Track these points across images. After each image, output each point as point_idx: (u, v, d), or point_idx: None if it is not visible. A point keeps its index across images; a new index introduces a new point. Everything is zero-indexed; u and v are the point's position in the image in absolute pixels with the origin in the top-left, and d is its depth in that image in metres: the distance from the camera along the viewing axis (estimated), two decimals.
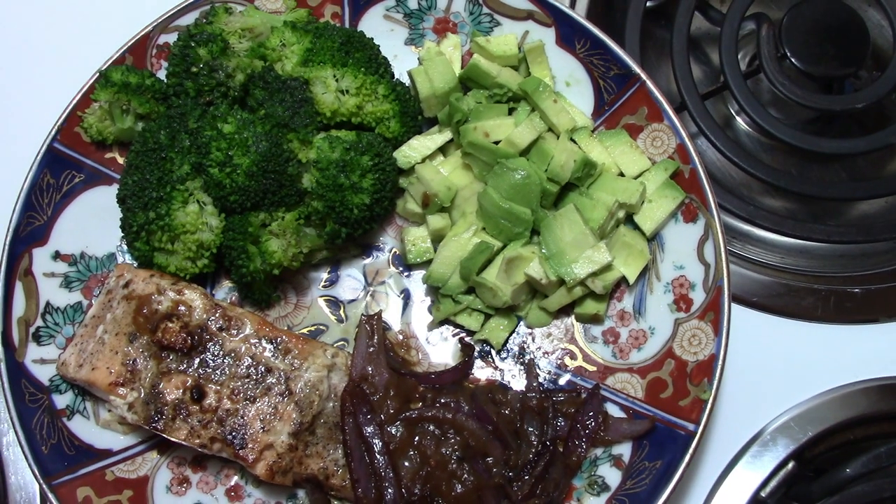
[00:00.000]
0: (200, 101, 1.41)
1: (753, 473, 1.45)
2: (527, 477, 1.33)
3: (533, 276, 1.39)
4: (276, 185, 1.36)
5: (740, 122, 1.76)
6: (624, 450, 1.36)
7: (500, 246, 1.42)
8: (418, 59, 1.51)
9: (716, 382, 1.33)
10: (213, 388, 1.31)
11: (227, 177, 1.34)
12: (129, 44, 1.48)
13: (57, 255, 1.43)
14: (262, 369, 1.33)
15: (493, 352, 1.45)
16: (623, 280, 1.43)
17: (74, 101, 1.45)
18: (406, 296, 1.49)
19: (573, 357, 1.44)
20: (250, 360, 1.33)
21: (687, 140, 1.42)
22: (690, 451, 1.30)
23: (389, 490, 1.31)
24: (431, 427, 1.35)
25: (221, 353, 1.32)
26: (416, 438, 1.34)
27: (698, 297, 1.39)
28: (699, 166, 1.41)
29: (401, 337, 1.46)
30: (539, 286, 1.41)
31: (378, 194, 1.40)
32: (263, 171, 1.34)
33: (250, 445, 1.29)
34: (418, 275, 1.49)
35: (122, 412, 1.30)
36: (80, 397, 1.39)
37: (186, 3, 1.49)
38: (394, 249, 1.51)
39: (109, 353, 1.32)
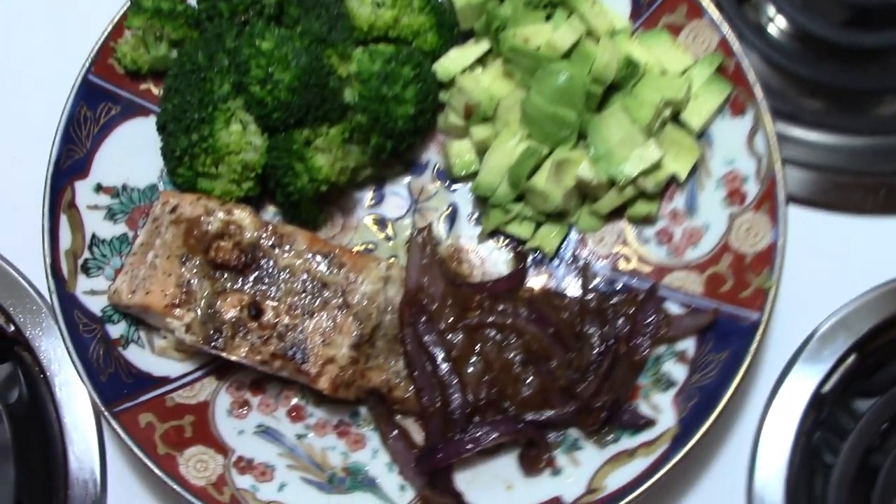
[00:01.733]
0: (236, 20, 1.39)
1: (814, 369, 1.43)
2: (591, 377, 1.32)
3: (584, 177, 1.37)
4: (319, 99, 1.34)
5: (773, 30, 1.73)
6: (688, 345, 1.34)
7: (547, 151, 1.40)
8: None
9: (777, 271, 1.31)
10: (271, 305, 1.29)
11: (268, 94, 1.32)
12: None
13: (99, 188, 1.41)
14: (318, 284, 1.31)
15: (546, 260, 1.43)
16: (673, 179, 1.42)
17: (107, 33, 1.43)
18: (453, 210, 1.47)
19: (627, 260, 1.42)
20: (305, 275, 1.31)
21: (729, 34, 1.40)
22: (756, 339, 1.28)
23: (455, 396, 1.29)
24: (492, 333, 1.33)
25: (276, 269, 1.31)
26: (478, 345, 1.33)
27: (752, 189, 1.37)
28: (743, 59, 1.39)
29: (451, 251, 1.45)
30: (589, 189, 1.40)
31: (421, 105, 1.38)
32: (305, 86, 1.32)
33: (312, 360, 1.28)
34: (464, 189, 1.48)
35: (179, 335, 1.29)
36: (134, 327, 1.37)
37: None
38: (437, 165, 1.49)
39: (162, 276, 1.30)
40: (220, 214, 1.32)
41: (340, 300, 1.31)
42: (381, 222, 1.47)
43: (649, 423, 1.30)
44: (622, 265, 1.42)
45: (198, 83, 1.34)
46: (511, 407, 1.30)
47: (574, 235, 1.45)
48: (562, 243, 1.44)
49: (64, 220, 1.37)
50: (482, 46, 1.46)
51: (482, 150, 1.44)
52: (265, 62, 1.32)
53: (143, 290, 1.31)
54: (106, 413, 1.28)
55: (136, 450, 1.27)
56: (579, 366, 1.34)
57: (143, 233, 1.38)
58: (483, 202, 1.45)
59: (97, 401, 1.29)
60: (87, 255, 1.38)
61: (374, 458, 1.35)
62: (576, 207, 1.44)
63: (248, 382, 1.38)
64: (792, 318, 1.46)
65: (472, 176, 1.45)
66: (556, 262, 1.44)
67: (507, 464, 1.33)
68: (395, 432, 1.34)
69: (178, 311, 1.29)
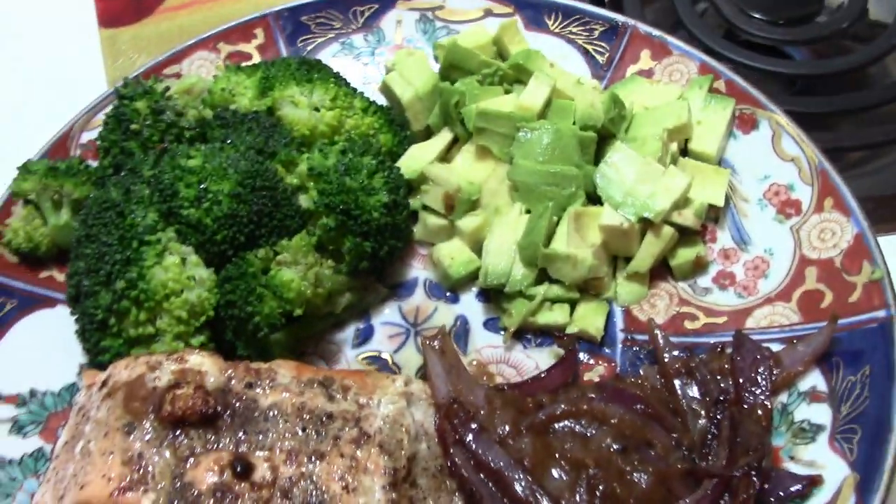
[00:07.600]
0: (150, 148, 1.15)
1: None
2: (715, 445, 0.96)
3: (611, 223, 1.12)
4: (271, 204, 1.08)
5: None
6: (814, 380, 1.02)
7: (554, 214, 1.15)
8: (386, 68, 1.32)
9: (879, 257, 1.05)
10: (262, 457, 0.91)
11: (205, 213, 1.05)
12: (50, 143, 1.23)
13: None
14: (321, 417, 0.95)
15: (596, 348, 1.13)
16: (709, 216, 1.18)
17: None
18: (463, 323, 1.17)
19: (693, 318, 1.13)
20: (301, 410, 0.95)
21: (706, 58, 1.27)
22: None
23: None
24: (567, 427, 0.98)
25: (258, 412, 0.94)
26: (554, 447, 0.96)
27: (803, 192, 1.15)
28: (731, 74, 1.25)
29: (476, 368, 1.12)
30: (620, 242, 1.14)
31: (394, 196, 1.13)
32: (252, 190, 1.07)
33: None
34: (467, 297, 1.19)
35: None
36: None
37: (108, 93, 1.28)
38: (427, 281, 1.20)
39: (101, 459, 0.91)
40: (170, 365, 0.97)
41: (355, 431, 0.94)
42: (378, 360, 1.14)
43: (815, 481, 0.94)
44: (689, 326, 1.13)
45: (114, 221, 1.05)
46: None
47: (619, 315, 1.15)
48: (607, 324, 1.14)
49: None
50: (444, 137, 1.26)
51: (476, 244, 1.18)
52: (195, 179, 1.06)
53: (75, 488, 0.91)
54: None
55: None
56: (691, 443, 0.98)
57: (66, 431, 1.00)
58: (497, 298, 1.16)
59: None
60: None
61: None
62: (609, 280, 1.17)
63: None
64: None
65: (474, 276, 1.18)
66: (606, 349, 1.13)
67: None
68: None
69: (130, 496, 0.88)
